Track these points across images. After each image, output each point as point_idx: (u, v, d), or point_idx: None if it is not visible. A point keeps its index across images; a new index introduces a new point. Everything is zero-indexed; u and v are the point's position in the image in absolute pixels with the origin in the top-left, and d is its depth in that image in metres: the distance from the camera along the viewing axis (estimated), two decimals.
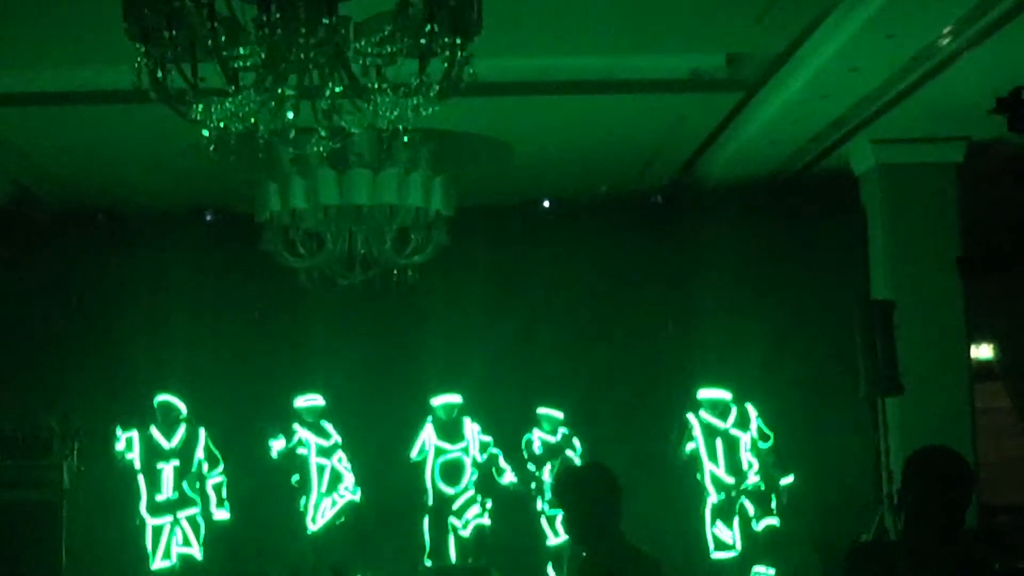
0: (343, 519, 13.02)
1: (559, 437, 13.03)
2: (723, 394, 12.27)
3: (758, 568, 11.87)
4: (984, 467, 13.11)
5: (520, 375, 14.12)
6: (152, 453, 12.47)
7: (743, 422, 12.22)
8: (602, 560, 5.58)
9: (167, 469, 12.43)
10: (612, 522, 5.58)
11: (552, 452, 13.00)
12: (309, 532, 12.97)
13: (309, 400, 13.15)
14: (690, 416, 12.22)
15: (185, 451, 12.58)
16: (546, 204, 14.62)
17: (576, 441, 13.18)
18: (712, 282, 13.96)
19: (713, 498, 12.09)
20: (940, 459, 5.13)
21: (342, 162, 10.71)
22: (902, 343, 11.88)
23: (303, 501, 13.03)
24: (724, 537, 11.97)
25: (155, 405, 12.59)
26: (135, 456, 12.47)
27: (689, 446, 12.16)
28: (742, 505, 12.00)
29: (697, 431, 12.16)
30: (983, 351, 14.85)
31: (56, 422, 12.54)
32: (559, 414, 13.01)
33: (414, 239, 11.34)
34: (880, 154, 13.14)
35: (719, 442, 12.15)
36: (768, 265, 14.10)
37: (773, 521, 12.01)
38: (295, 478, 12.98)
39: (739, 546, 12.00)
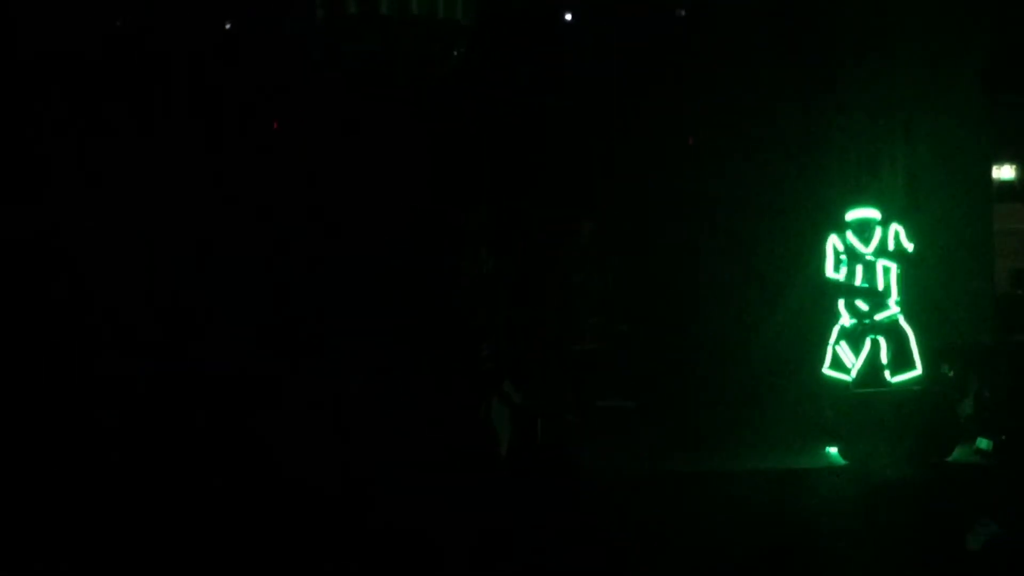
0: None
1: None
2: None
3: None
4: None
5: None
6: None
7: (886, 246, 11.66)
8: None
9: None
10: None
11: None
12: None
13: None
14: (833, 238, 11.71)
15: None
16: None
17: None
18: None
19: (845, 321, 11.70)
20: None
21: None
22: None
23: None
24: (844, 358, 11.65)
25: None
26: None
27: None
28: (875, 340, 11.60)
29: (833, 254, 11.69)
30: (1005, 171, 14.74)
31: None
32: None
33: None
34: None
35: (859, 268, 11.70)
36: None
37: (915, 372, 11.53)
38: None
39: (854, 375, 11.52)
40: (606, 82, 13.14)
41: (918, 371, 11.49)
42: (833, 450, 11.64)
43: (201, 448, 10.92)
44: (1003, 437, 11.33)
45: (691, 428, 12.36)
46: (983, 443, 11.47)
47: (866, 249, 11.60)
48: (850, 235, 11.63)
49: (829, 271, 11.65)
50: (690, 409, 12.66)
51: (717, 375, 12.81)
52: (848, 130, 13.13)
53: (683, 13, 13.47)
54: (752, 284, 13.13)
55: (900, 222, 11.69)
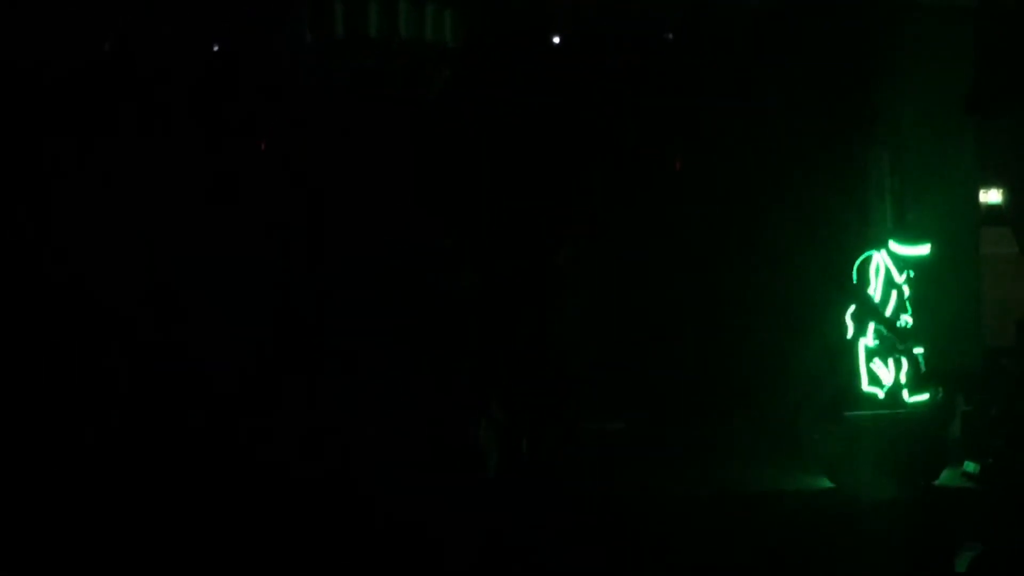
0: None
1: None
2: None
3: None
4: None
5: None
6: None
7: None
8: None
9: None
10: None
11: None
12: None
13: None
14: (876, 253, 11.83)
15: None
16: None
17: None
18: None
19: (869, 341, 11.82)
20: None
21: None
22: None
23: None
24: (881, 374, 11.76)
25: None
26: None
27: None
28: (899, 360, 11.76)
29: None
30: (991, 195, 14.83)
31: None
32: None
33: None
34: None
35: (893, 293, 11.86)
36: None
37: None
38: None
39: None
40: (611, 99, 13.29)
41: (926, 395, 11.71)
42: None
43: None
44: (990, 460, 11.48)
45: (678, 449, 12.51)
46: (970, 466, 11.60)
47: (899, 278, 11.79)
48: (886, 258, 11.79)
49: (869, 289, 11.84)
50: (677, 430, 12.80)
51: (705, 396, 12.96)
52: (840, 153, 13.32)
53: (671, 38, 13.65)
54: (736, 306, 13.27)
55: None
